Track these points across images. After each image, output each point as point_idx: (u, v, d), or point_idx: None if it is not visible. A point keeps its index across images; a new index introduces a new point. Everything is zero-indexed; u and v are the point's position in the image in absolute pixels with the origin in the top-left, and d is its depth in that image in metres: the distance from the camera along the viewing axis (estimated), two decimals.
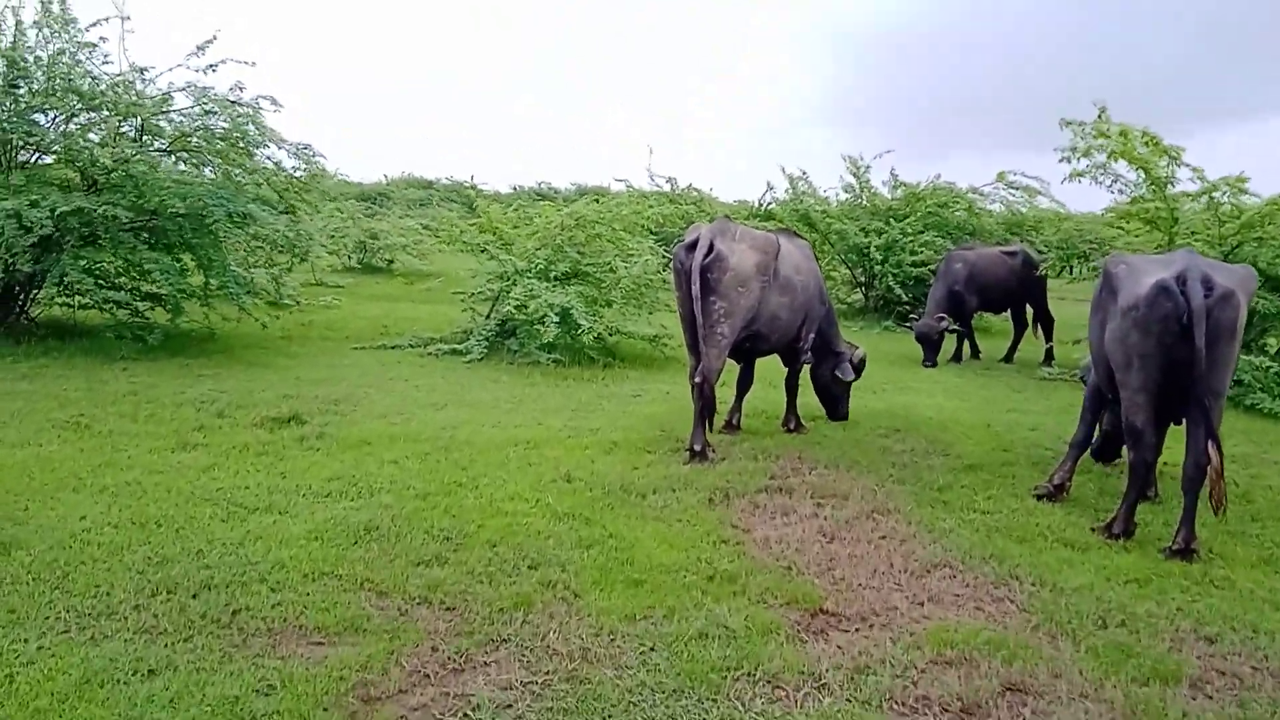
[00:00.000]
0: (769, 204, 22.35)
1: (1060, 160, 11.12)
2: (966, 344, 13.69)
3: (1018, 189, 17.28)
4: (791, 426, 8.25)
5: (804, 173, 19.17)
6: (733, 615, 4.36)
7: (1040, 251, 14.35)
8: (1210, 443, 5.23)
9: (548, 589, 4.63)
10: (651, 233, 16.79)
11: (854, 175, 18.80)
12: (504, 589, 4.59)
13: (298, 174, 11.31)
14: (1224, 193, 10.36)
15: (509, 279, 12.01)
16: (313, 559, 4.84)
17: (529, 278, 11.65)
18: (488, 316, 12.40)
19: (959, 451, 7.80)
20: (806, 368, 8.32)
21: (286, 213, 11.77)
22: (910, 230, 16.96)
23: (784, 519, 5.90)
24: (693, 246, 7.10)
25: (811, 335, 8.14)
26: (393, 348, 12.01)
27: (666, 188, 23.58)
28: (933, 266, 16.39)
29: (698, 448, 7.11)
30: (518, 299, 11.21)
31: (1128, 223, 11.99)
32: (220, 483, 6.06)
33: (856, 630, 4.39)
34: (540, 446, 7.37)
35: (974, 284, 13.24)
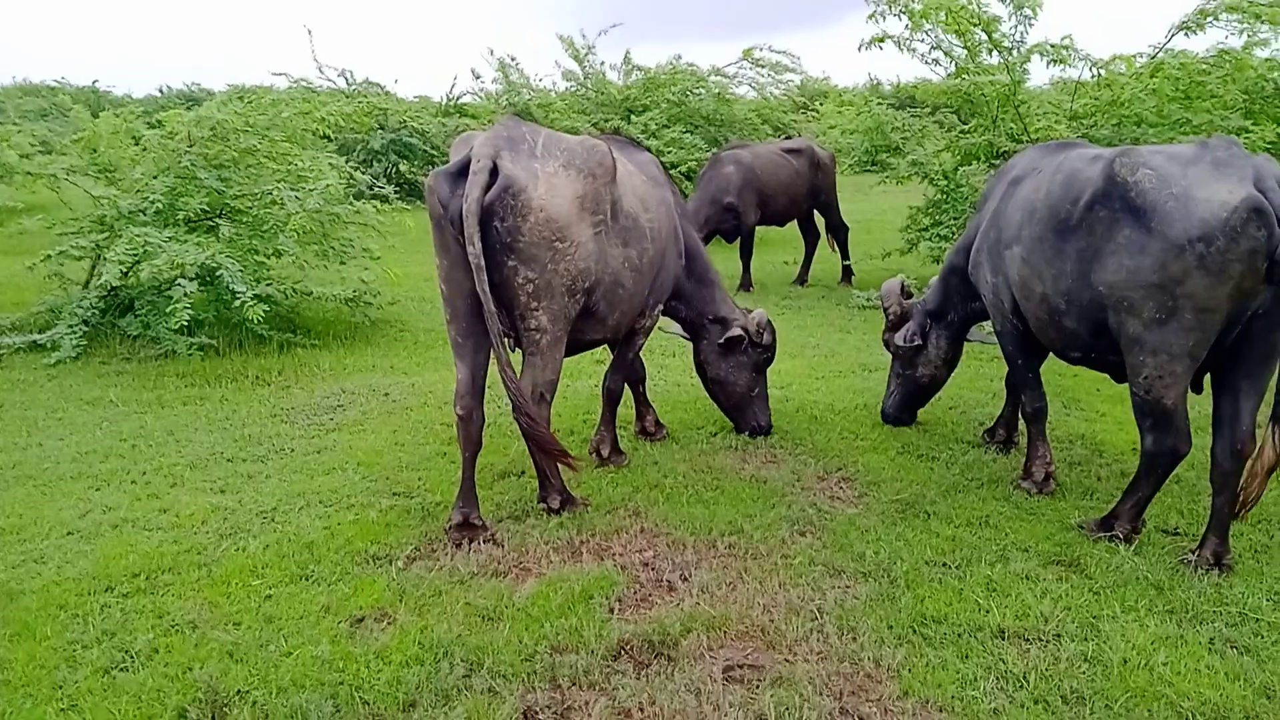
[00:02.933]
0: (460, 97, 18.60)
1: (869, 19, 8.74)
2: (747, 270, 11.05)
3: (765, 67, 14.81)
4: (605, 453, 5.12)
5: (514, 59, 15.67)
6: None
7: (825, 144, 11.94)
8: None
9: None
10: (328, 139, 12.65)
11: (575, 59, 15.51)
12: None
13: None
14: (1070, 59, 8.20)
15: (110, 225, 7.76)
16: None
17: (141, 223, 7.51)
18: (85, 286, 8.08)
19: (879, 481, 5.08)
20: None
21: None
22: (653, 126, 14.01)
23: None
24: (462, 173, 3.71)
25: (659, 308, 5.02)
26: None
27: (340, 83, 19.10)
28: (684, 169, 13.67)
29: (555, 505, 4.40)
30: (123, 258, 7.11)
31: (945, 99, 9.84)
32: None
33: None
34: (159, 586, 3.77)
35: (752, 193, 10.42)
